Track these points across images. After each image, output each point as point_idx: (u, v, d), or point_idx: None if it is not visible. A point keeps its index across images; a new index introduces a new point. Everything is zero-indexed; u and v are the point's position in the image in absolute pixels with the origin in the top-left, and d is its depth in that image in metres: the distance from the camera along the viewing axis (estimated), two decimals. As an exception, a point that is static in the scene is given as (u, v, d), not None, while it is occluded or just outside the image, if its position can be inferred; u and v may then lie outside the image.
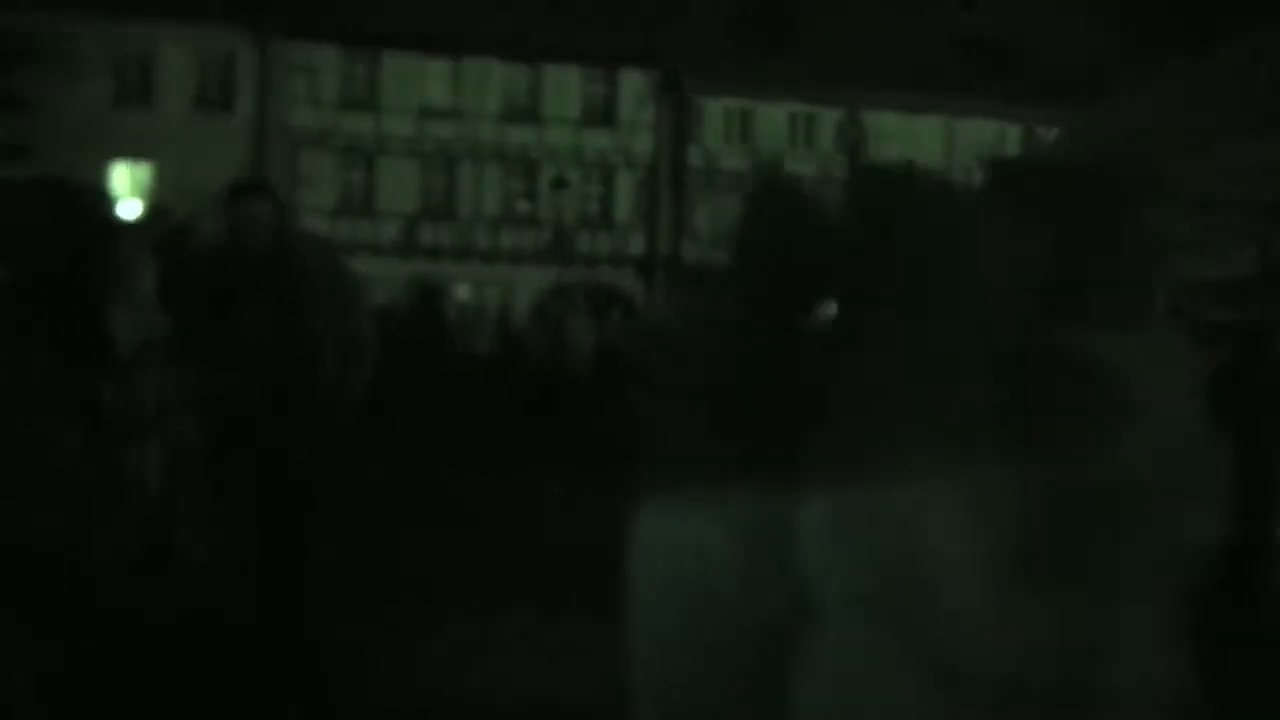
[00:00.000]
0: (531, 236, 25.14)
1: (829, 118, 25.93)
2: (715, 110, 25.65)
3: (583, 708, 3.36)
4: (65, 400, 3.26)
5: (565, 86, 25.20)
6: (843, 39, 24.76)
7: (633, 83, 25.38)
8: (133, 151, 22.94)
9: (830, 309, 1.70)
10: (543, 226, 24.90)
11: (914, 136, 26.13)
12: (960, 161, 25.80)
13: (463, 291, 22.31)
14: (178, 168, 22.44)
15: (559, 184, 22.06)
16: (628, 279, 25.63)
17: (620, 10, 23.65)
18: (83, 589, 3.21)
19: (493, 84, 24.92)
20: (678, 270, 25.67)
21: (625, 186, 25.83)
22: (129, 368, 3.72)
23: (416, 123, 24.67)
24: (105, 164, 21.98)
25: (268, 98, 24.13)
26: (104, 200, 5.40)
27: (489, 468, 7.59)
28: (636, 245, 25.93)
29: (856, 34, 24.74)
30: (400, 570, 4.83)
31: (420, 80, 24.71)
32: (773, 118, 25.83)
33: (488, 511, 6.26)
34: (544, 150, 25.11)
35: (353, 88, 24.56)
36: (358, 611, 4.14)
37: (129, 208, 16.83)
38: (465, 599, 4.44)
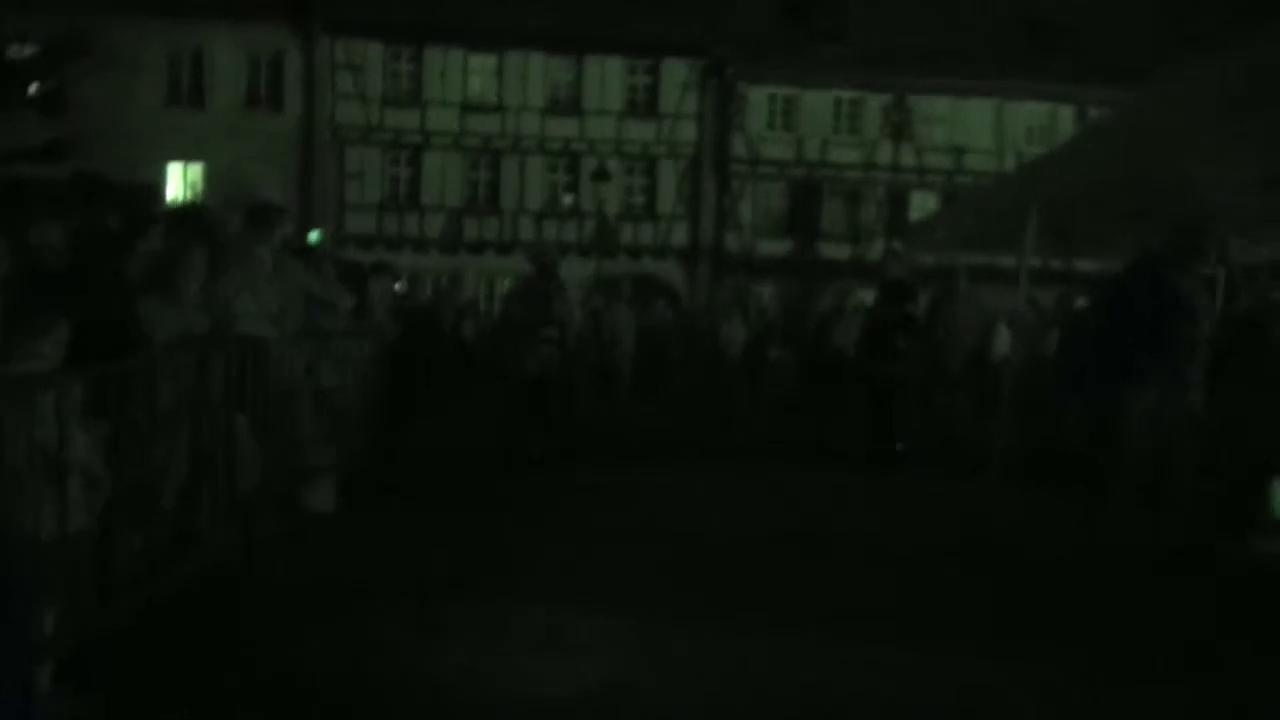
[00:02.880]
0: (575, 229, 25.11)
1: (875, 103, 25.50)
2: (759, 98, 25.35)
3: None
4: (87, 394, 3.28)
5: (608, 78, 25.10)
6: (889, 23, 24.33)
7: (676, 72, 25.17)
8: (185, 151, 23.38)
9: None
10: (586, 218, 24.86)
11: (963, 120, 25.60)
12: (1012, 143, 25.25)
13: (507, 284, 22.33)
14: (229, 166, 22.82)
15: (600, 175, 21.92)
16: (672, 270, 25.51)
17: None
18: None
19: (535, 77, 24.91)
20: (722, 261, 25.48)
21: (668, 177, 25.68)
22: (159, 363, 3.74)
23: (460, 117, 24.77)
24: (158, 163, 22.44)
25: (315, 95, 24.40)
26: (148, 197, 5.47)
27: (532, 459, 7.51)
28: (680, 236, 25.78)
29: (903, 18, 24.30)
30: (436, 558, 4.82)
31: (463, 75, 24.80)
32: (818, 104, 25.45)
33: (526, 501, 6.24)
34: (586, 142, 25.05)
35: (397, 84, 24.72)
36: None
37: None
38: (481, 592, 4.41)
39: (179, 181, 23.63)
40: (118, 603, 3.40)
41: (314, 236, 6.61)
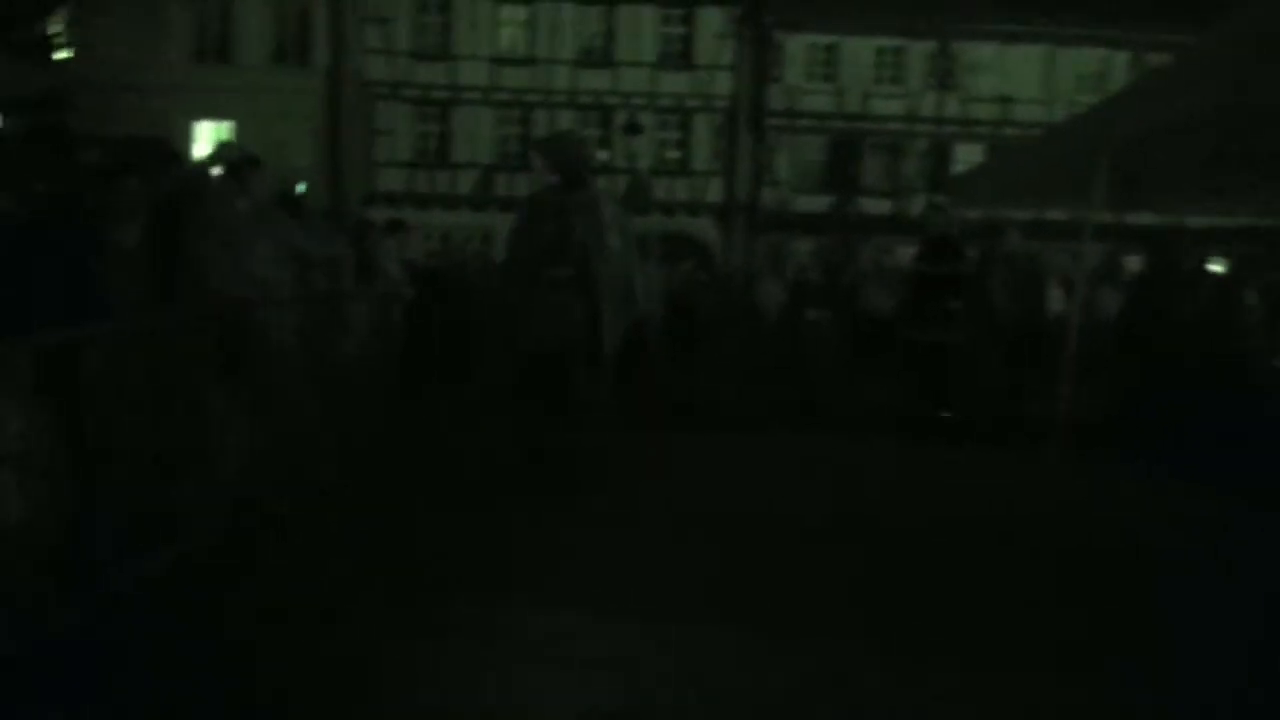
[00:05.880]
0: (607, 184, 24.51)
1: (920, 51, 24.51)
2: (797, 47, 24.47)
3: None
4: None
5: (640, 28, 24.35)
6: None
7: (710, 21, 24.36)
8: (211, 108, 23.06)
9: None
10: (619, 174, 24.27)
11: (1011, 67, 24.56)
12: (1062, 92, 24.20)
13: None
14: (257, 122, 22.48)
15: (631, 129, 21.30)
16: (707, 227, 24.89)
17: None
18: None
19: (566, 28, 24.24)
20: (758, 217, 24.79)
21: (703, 131, 24.96)
22: (117, 333, 3.37)
23: (490, 71, 24.20)
24: (185, 122, 22.18)
25: (342, 50, 23.92)
26: (150, 151, 5.07)
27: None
28: (715, 192, 25.11)
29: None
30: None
31: (493, 27, 24.20)
32: (859, 53, 24.53)
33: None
34: (619, 96, 24.39)
35: (425, 37, 24.19)
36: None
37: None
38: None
39: (209, 142, 23.33)
40: (76, 598, 3.05)
41: (300, 187, 6.14)
